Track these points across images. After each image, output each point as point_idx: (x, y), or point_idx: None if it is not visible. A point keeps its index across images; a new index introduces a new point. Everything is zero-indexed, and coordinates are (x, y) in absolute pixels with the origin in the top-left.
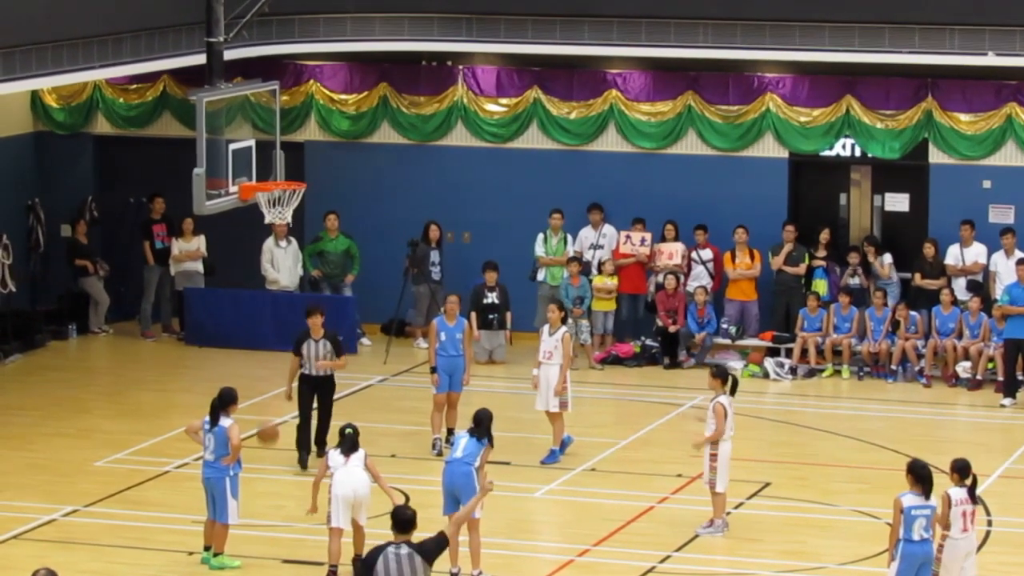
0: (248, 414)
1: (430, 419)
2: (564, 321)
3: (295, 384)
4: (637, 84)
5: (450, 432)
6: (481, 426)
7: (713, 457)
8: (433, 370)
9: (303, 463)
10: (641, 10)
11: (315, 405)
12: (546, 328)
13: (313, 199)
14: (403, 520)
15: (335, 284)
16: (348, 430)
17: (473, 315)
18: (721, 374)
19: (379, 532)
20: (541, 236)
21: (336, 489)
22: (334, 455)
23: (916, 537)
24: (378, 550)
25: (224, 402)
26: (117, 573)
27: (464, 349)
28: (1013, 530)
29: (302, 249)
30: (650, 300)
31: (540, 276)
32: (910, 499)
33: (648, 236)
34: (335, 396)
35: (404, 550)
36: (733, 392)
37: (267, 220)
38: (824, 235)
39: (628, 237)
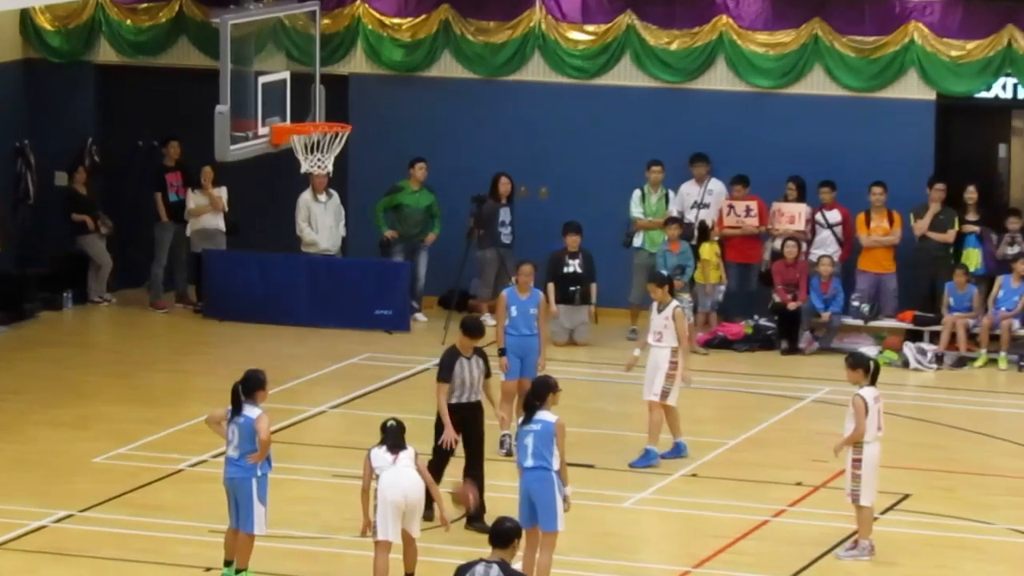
0: (279, 402)
1: (498, 411)
2: (672, 293)
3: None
4: (753, 9)
5: None
6: (535, 395)
7: (856, 463)
8: (502, 352)
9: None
10: None
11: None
12: (654, 305)
13: (359, 144)
14: (499, 533)
15: (412, 246)
16: (391, 423)
17: (551, 286)
18: (860, 363)
19: (429, 546)
20: (637, 193)
21: (384, 493)
22: (378, 453)
23: None
24: (468, 566)
25: (249, 387)
26: None
27: (539, 327)
28: None
29: (345, 204)
30: (765, 271)
31: (637, 241)
32: None
33: (755, 204)
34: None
35: (495, 572)
36: (874, 382)
37: (303, 169)
38: (970, 194)
39: (731, 207)
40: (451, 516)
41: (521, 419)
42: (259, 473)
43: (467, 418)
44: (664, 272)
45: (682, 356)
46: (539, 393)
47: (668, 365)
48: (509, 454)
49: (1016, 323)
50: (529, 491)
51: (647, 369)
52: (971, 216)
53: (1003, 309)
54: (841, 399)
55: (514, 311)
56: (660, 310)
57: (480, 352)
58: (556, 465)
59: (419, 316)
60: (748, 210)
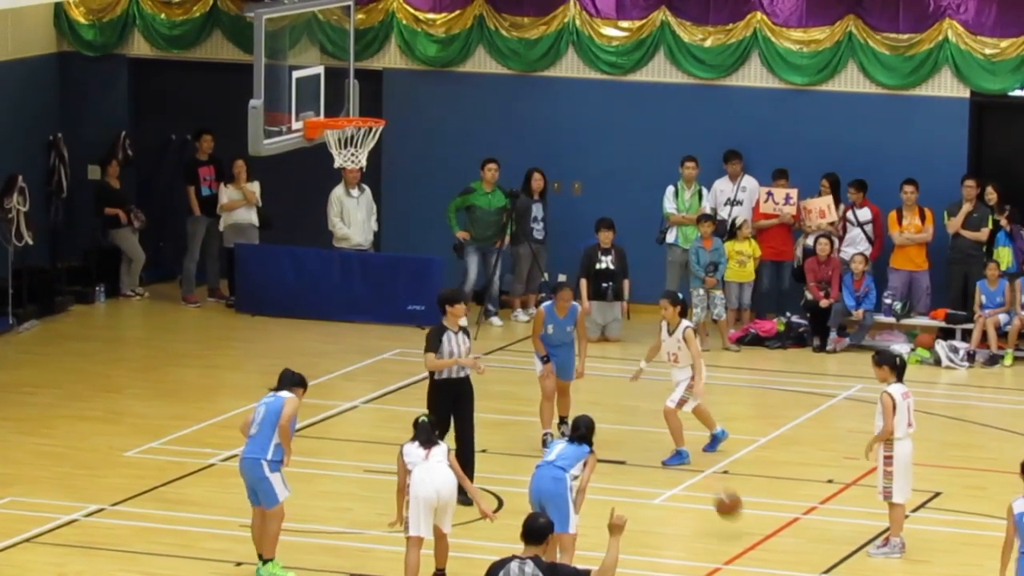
0: (310, 397)
1: (539, 410)
2: (684, 314)
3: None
4: (787, 5)
5: (562, 421)
6: (578, 431)
7: (888, 460)
8: (545, 359)
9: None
10: None
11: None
12: (664, 326)
13: (392, 139)
14: (533, 530)
15: (485, 248)
16: (422, 419)
17: (583, 283)
18: (886, 360)
19: (460, 542)
20: (671, 189)
21: (416, 489)
22: (410, 449)
23: None
24: (502, 563)
25: (294, 380)
26: None
27: (576, 334)
28: None
29: (378, 199)
30: (797, 268)
31: (670, 237)
32: (1021, 504)
33: (794, 193)
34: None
35: (530, 568)
36: (901, 378)
37: (337, 164)
38: (990, 193)
39: (770, 194)
40: (491, 508)
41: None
42: (269, 457)
43: (456, 394)
44: (679, 294)
45: (698, 376)
46: (591, 431)
47: (688, 379)
48: None
49: None
50: (540, 491)
51: (672, 383)
52: (998, 215)
53: None
54: (872, 396)
55: (551, 329)
56: (671, 332)
57: (465, 330)
58: (575, 471)
59: (495, 320)
60: (788, 198)
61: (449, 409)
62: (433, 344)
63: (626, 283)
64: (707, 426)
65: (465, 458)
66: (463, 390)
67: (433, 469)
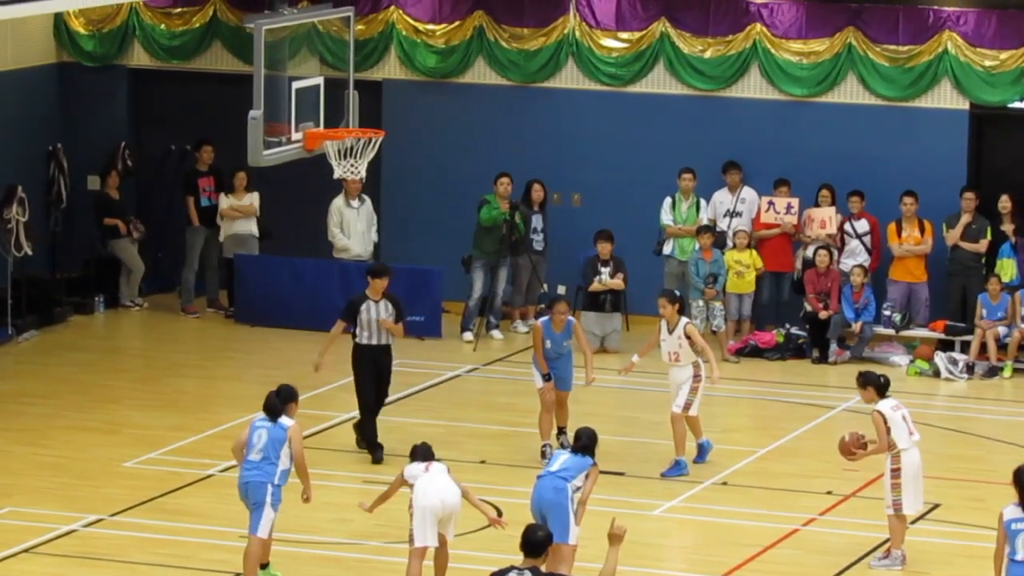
0: (309, 408)
1: (538, 422)
2: (682, 312)
3: (323, 359)
4: (787, 17)
5: (561, 432)
6: (580, 442)
7: (895, 473)
8: (547, 377)
9: (378, 458)
10: None
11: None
12: (663, 325)
13: (392, 149)
14: (532, 542)
15: (491, 263)
16: (420, 444)
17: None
18: (869, 380)
19: (458, 553)
20: (668, 200)
21: (419, 500)
22: (410, 468)
23: (1020, 556)
24: (501, 573)
25: (284, 397)
26: None
27: (576, 349)
28: None
29: (377, 210)
30: (797, 279)
31: (667, 249)
32: (1011, 511)
33: (795, 202)
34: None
35: None
36: (884, 394)
37: (336, 175)
38: (1004, 203)
39: (771, 204)
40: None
41: (564, 447)
42: (276, 482)
43: (376, 359)
44: (677, 292)
45: (713, 363)
46: (593, 443)
47: (692, 379)
48: None
49: None
50: (542, 500)
51: (671, 388)
52: (1008, 226)
53: None
54: (871, 408)
55: (549, 344)
56: (671, 330)
57: (390, 297)
58: (577, 482)
59: (495, 333)
60: (789, 207)
61: (373, 374)
62: (348, 314)
63: (620, 276)
64: (695, 434)
65: (372, 412)
66: (381, 356)
67: (435, 479)
